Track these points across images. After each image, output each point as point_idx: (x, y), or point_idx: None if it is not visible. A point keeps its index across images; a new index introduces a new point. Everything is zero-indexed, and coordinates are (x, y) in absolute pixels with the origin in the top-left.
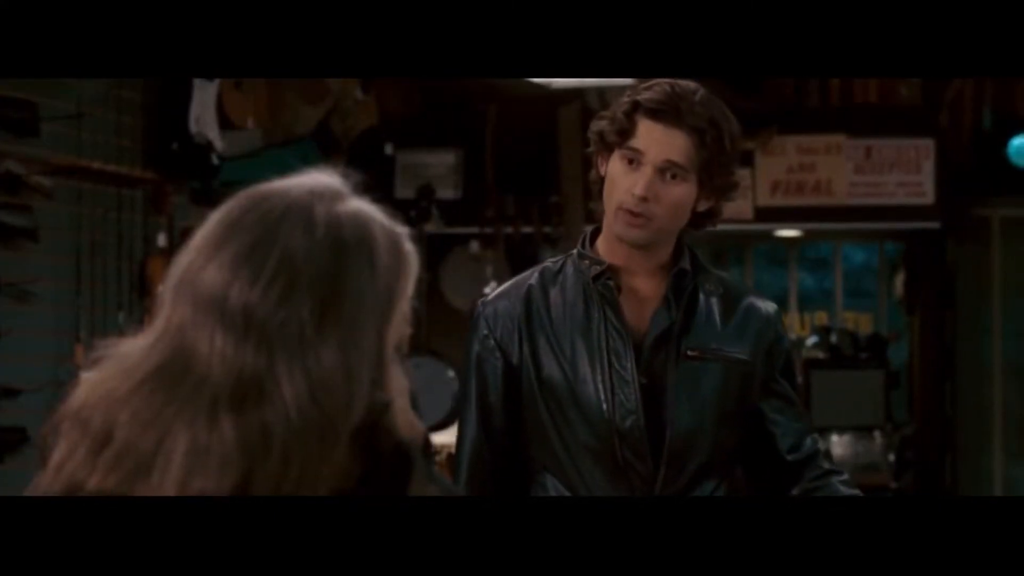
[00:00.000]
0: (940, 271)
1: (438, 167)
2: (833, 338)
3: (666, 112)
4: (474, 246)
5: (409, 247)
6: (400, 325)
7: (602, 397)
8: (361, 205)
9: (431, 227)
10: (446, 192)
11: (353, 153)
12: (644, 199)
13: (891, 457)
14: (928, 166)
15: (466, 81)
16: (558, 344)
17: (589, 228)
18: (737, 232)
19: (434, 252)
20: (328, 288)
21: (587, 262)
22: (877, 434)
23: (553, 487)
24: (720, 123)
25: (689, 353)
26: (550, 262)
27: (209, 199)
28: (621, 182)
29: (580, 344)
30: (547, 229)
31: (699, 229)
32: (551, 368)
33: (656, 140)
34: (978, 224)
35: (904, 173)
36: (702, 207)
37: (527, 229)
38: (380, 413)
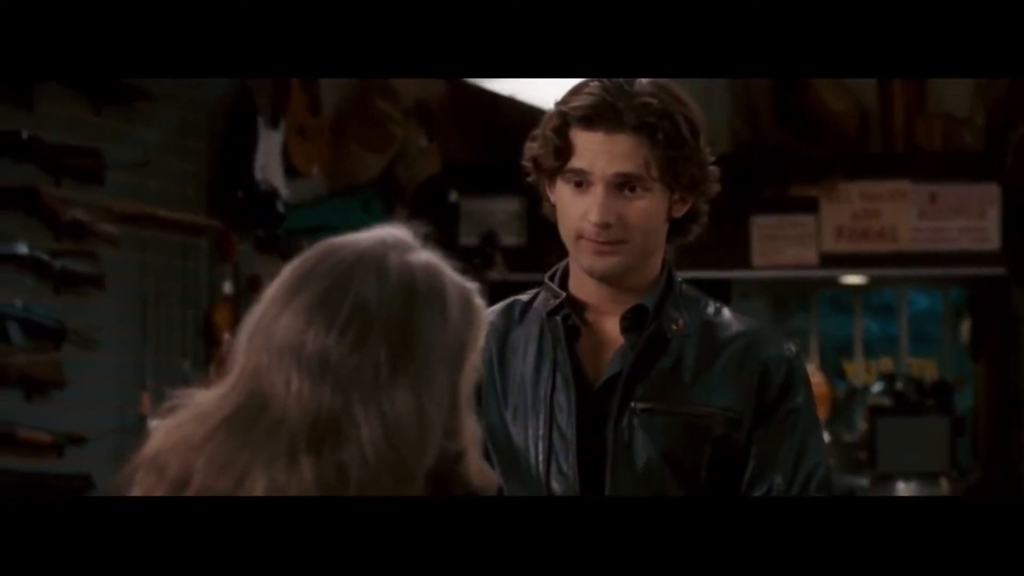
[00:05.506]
0: (1005, 317)
1: (502, 214)
2: (899, 384)
3: (602, 116)
4: None
5: (479, 301)
6: (471, 376)
7: (540, 458)
8: (432, 257)
9: (495, 274)
10: (510, 239)
11: (417, 200)
12: (606, 225)
13: None
14: (993, 211)
15: (529, 128)
16: (503, 390)
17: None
18: (802, 278)
19: (497, 299)
20: (400, 334)
21: (549, 294)
22: (943, 480)
23: None
24: (672, 110)
25: (638, 407)
26: (524, 295)
27: (274, 247)
28: (572, 210)
29: (527, 392)
30: None
31: (686, 237)
32: (492, 417)
33: (599, 153)
34: None
35: (968, 218)
36: (679, 212)
37: None
38: (453, 461)
